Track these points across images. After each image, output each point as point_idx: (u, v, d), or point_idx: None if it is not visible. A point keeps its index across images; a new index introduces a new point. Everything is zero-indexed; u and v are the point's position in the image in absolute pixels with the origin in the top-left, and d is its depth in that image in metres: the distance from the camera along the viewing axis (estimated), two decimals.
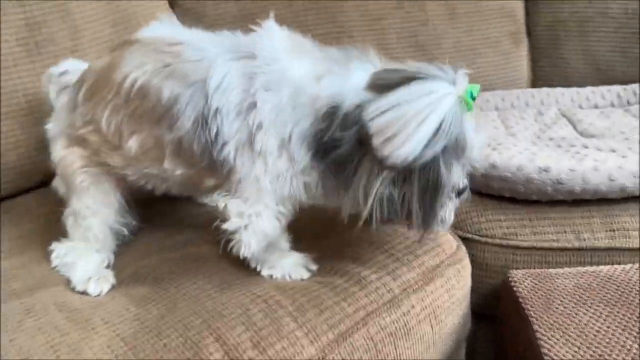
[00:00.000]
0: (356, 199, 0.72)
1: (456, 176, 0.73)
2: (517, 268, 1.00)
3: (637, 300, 0.86)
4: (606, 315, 0.84)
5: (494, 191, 1.05)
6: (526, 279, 0.93)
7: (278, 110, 0.73)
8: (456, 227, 1.04)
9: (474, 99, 0.70)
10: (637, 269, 0.92)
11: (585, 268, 0.95)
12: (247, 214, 0.79)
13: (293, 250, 0.87)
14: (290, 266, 0.85)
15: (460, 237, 1.02)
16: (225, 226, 0.81)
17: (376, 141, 0.67)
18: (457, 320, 0.92)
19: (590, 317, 0.84)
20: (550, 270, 0.95)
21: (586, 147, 1.13)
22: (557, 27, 1.55)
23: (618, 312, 0.84)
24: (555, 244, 1.00)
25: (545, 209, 1.03)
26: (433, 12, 1.48)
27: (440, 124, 0.66)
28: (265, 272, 0.85)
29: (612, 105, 1.45)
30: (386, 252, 0.89)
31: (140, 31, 0.84)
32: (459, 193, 0.76)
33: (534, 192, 1.01)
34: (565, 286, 0.91)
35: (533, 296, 0.89)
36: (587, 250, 1.00)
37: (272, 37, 0.76)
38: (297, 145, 0.73)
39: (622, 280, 0.90)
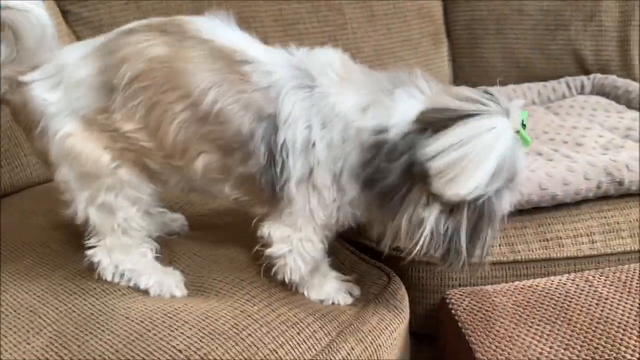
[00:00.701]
0: (399, 230, 0.71)
1: (507, 205, 0.72)
2: (453, 285, 0.95)
3: (576, 315, 0.83)
4: (547, 335, 0.80)
5: None
6: (464, 299, 0.88)
7: (331, 146, 0.73)
8: None
9: (524, 126, 0.68)
10: (572, 280, 0.90)
11: (523, 283, 0.91)
12: (294, 238, 0.79)
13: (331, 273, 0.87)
14: (334, 292, 0.84)
15: (394, 256, 0.96)
16: (269, 252, 0.80)
17: (437, 182, 0.67)
18: (400, 355, 0.86)
19: (532, 337, 0.80)
20: (488, 287, 0.91)
21: None
22: (475, 26, 1.54)
23: (559, 330, 0.81)
24: (490, 258, 0.96)
25: None
26: (351, 14, 1.42)
27: (501, 161, 0.66)
28: (313, 297, 0.84)
29: (534, 102, 1.45)
30: None
31: (192, 22, 0.76)
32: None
33: None
34: (504, 305, 0.86)
35: (472, 318, 0.85)
36: (522, 263, 0.97)
37: (327, 60, 0.76)
38: (347, 178, 0.74)
39: (560, 294, 0.87)
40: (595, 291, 0.88)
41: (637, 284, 0.88)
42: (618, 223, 0.98)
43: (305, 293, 0.83)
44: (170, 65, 0.73)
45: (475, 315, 0.85)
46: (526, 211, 0.98)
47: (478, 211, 0.68)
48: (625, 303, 0.85)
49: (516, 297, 0.88)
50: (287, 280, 0.81)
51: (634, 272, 0.90)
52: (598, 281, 0.90)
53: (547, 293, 0.88)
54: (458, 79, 1.58)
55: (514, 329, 0.82)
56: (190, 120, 0.74)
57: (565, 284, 0.90)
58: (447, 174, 0.66)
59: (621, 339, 0.79)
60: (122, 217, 0.80)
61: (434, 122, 0.67)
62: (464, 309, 0.87)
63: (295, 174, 0.74)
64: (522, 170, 0.70)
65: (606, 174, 0.96)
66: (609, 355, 0.77)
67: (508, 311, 0.85)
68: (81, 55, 0.77)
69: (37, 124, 0.77)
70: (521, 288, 0.90)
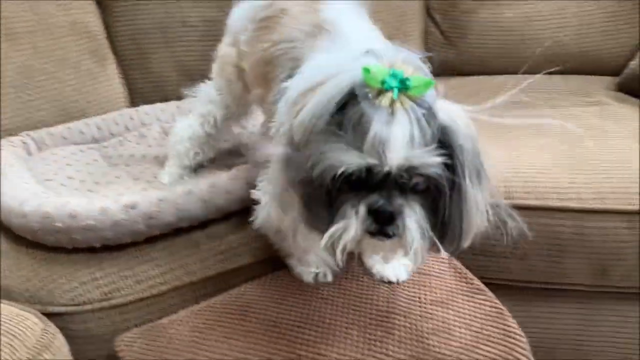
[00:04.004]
0: None
1: (338, 162, 0.59)
2: (128, 328, 0.84)
3: (253, 324, 0.80)
4: (225, 353, 0.75)
5: (81, 244, 0.86)
6: (135, 342, 0.78)
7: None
8: (41, 301, 0.83)
9: (406, 87, 0.57)
10: (250, 289, 0.87)
11: (201, 304, 0.85)
12: None
13: None
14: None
15: (49, 313, 0.80)
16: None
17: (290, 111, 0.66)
18: None
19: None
20: (163, 320, 0.82)
21: None
22: (141, 39, 1.45)
23: (236, 345, 0.77)
24: (164, 287, 0.88)
25: (145, 249, 0.89)
26: None
27: (329, 95, 0.59)
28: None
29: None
30: None
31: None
32: (374, 214, 0.60)
33: (126, 234, 0.86)
34: (180, 335, 0.79)
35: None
36: (199, 283, 0.90)
37: None
38: None
39: (238, 307, 0.84)
40: (271, 296, 0.86)
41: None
42: None
43: None
44: (283, 18, 0.88)
45: (147, 356, 0.76)
46: (197, 227, 0.92)
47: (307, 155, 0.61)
48: (296, 301, 0.85)
49: (193, 322, 0.81)
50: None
51: None
52: (275, 285, 0.89)
53: (225, 308, 0.84)
54: (135, 97, 1.48)
55: (191, 358, 0.75)
56: (264, 60, 0.88)
57: (243, 294, 0.87)
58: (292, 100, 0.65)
59: (295, 338, 0.79)
60: (208, 110, 1.07)
61: None
62: (135, 352, 0.76)
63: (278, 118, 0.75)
64: (383, 134, 0.58)
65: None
66: (285, 355, 0.75)
67: (184, 340, 0.78)
68: None
69: None
70: (198, 311, 0.84)
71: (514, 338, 0.83)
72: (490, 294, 0.90)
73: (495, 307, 0.87)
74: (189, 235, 0.92)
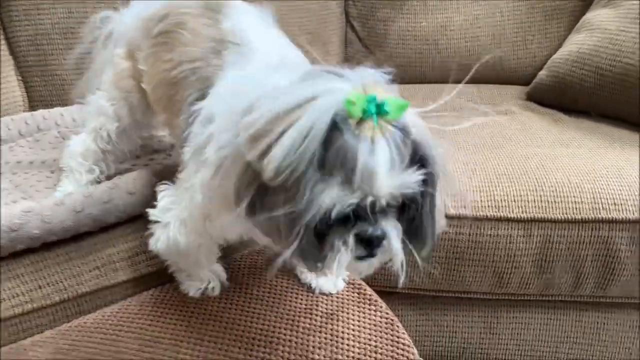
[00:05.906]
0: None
1: (328, 200, 0.56)
2: None
3: (124, 343, 0.75)
4: None
5: None
6: None
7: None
8: None
9: (383, 112, 0.55)
10: (130, 304, 0.82)
11: (69, 324, 0.79)
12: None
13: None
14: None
15: None
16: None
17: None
18: None
19: None
20: (25, 341, 0.76)
21: None
22: (41, 41, 1.37)
23: None
24: (30, 306, 0.81)
25: (10, 265, 0.82)
26: None
27: (310, 129, 0.55)
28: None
29: None
30: None
31: (229, 5, 0.85)
32: (363, 241, 0.60)
33: None
34: (40, 357, 0.73)
35: None
36: (71, 301, 0.84)
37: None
38: None
39: (112, 324, 0.78)
40: (150, 313, 0.81)
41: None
42: None
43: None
44: (181, 33, 0.83)
45: None
46: (70, 240, 0.86)
47: (285, 194, 0.56)
48: (177, 318, 0.81)
49: (57, 343, 0.75)
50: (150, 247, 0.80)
51: None
52: (156, 302, 0.84)
53: (96, 328, 0.78)
54: (34, 101, 1.40)
55: None
56: (167, 82, 0.83)
57: (119, 311, 0.82)
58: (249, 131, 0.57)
59: (169, 358, 0.74)
60: (100, 123, 0.98)
61: None
62: None
63: (195, 141, 0.72)
64: (370, 165, 0.55)
65: None
66: None
67: None
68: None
69: None
70: (65, 331, 0.78)
71: (402, 349, 0.81)
72: (382, 303, 0.88)
73: (386, 317, 0.85)
74: (60, 249, 0.85)
